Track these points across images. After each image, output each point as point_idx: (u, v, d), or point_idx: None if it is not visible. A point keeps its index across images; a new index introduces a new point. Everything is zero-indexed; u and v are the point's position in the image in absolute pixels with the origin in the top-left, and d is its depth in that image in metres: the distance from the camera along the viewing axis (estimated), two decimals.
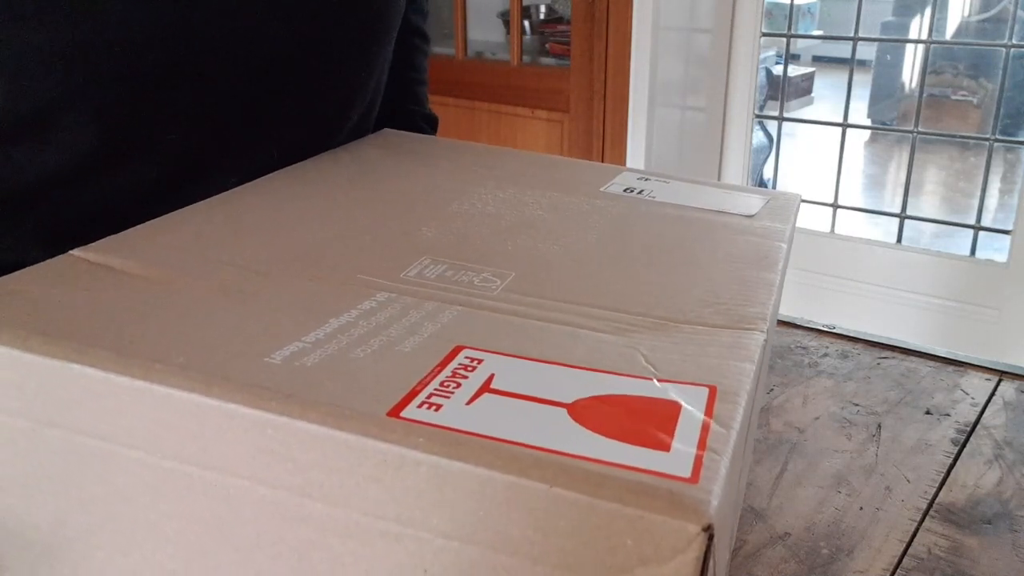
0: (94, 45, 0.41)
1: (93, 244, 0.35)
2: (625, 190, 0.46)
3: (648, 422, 0.24)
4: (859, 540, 0.45)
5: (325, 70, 0.51)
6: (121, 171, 0.45)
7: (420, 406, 0.24)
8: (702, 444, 0.23)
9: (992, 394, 0.60)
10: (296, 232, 0.38)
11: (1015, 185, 2.52)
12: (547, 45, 2.19)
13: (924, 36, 2.48)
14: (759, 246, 0.39)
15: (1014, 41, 1.83)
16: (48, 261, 0.34)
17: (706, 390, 0.26)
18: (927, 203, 2.83)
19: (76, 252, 0.35)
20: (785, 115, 2.14)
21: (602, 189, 0.46)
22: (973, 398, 0.59)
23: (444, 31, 2.26)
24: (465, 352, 0.28)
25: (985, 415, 0.57)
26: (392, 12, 0.55)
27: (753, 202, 0.46)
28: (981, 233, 1.93)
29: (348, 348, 0.28)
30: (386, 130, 0.57)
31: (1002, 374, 0.62)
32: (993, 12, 2.65)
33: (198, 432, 0.25)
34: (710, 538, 0.20)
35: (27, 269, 0.33)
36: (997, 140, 1.89)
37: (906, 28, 2.97)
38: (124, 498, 0.27)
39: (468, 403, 0.25)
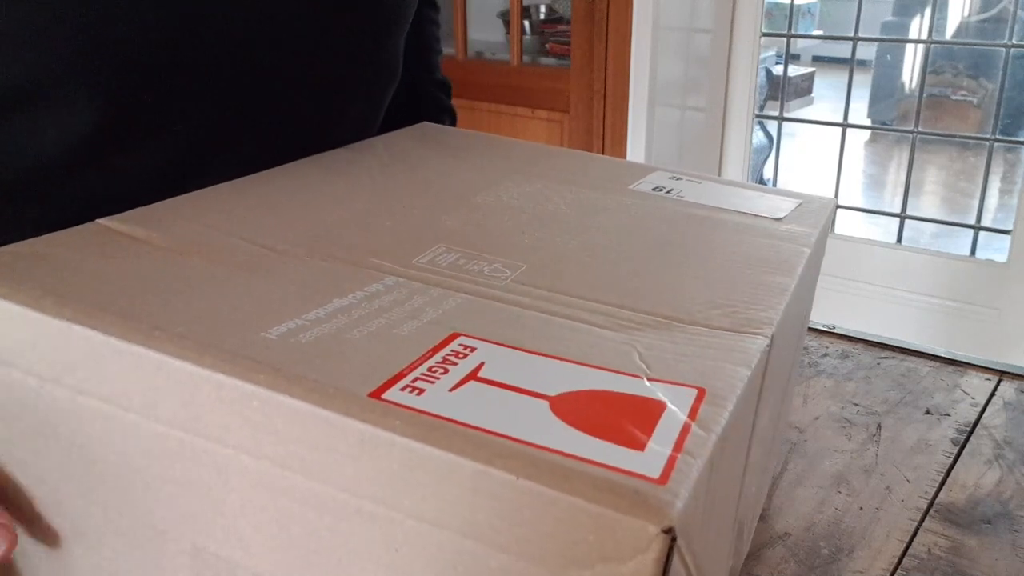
0: (94, 24, 0.41)
1: (121, 215, 0.36)
2: (654, 189, 0.46)
3: (628, 420, 0.24)
4: (859, 540, 0.45)
5: (329, 61, 0.51)
6: (122, 159, 0.45)
7: (403, 389, 0.24)
8: (678, 446, 0.23)
9: (992, 394, 0.60)
10: (318, 213, 0.38)
11: (1015, 185, 2.52)
12: (547, 45, 2.19)
13: (924, 36, 2.48)
14: (781, 250, 0.39)
15: (1014, 41, 1.83)
16: (75, 228, 0.35)
17: (694, 392, 0.26)
18: (927, 203, 2.83)
19: (103, 221, 0.36)
20: (785, 115, 2.14)
21: (630, 187, 0.46)
22: (973, 398, 0.59)
23: (444, 31, 2.25)
24: (460, 339, 0.28)
25: (985, 415, 0.57)
26: (404, 5, 0.55)
27: (783, 205, 0.45)
28: (981, 233, 1.93)
29: (346, 328, 0.28)
30: (424, 123, 0.57)
31: (1002, 374, 0.62)
32: (993, 12, 2.65)
33: (190, 400, 0.26)
34: (673, 540, 0.20)
35: (54, 234, 0.34)
36: (997, 140, 1.89)
37: (906, 28, 2.96)
38: (122, 459, 0.28)
39: (451, 389, 0.25)
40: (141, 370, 0.26)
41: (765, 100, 2.30)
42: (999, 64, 1.87)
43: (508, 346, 0.28)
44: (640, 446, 0.23)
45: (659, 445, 0.23)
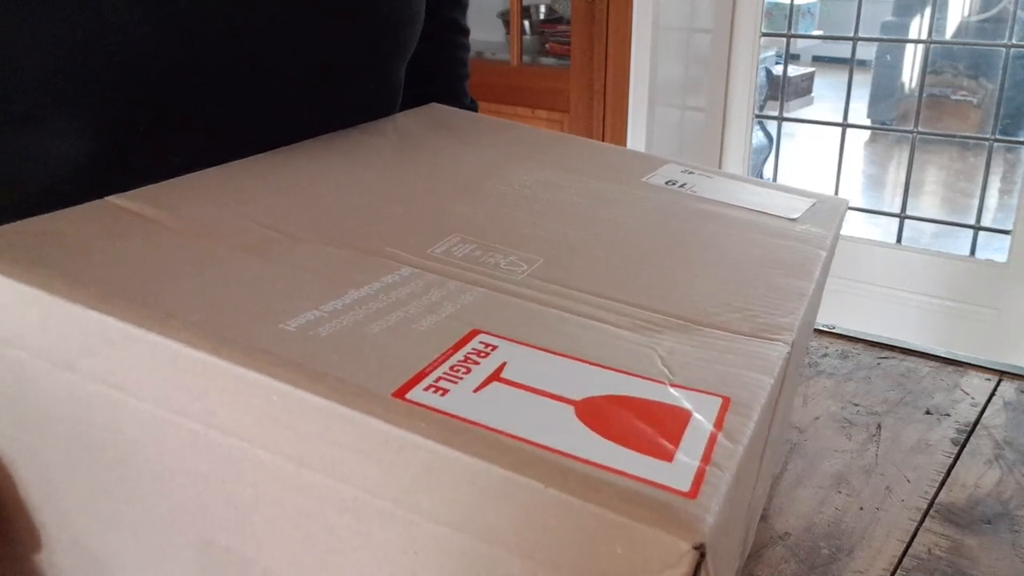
0: (84, 41, 0.40)
1: (129, 192, 0.35)
2: (667, 182, 0.45)
3: (654, 428, 0.24)
4: (859, 540, 0.45)
5: (328, 76, 0.51)
6: (123, 174, 0.45)
7: (427, 389, 0.24)
8: (707, 457, 0.23)
9: (992, 394, 0.60)
10: (330, 197, 0.38)
11: (1015, 185, 2.52)
12: (547, 45, 2.19)
13: (924, 36, 2.48)
14: (797, 252, 0.38)
15: (1014, 41, 1.83)
16: (84, 205, 0.34)
17: (719, 400, 0.25)
18: (927, 203, 2.83)
19: (112, 199, 0.35)
20: (785, 115, 2.14)
21: (643, 179, 0.45)
22: (973, 398, 0.59)
23: None
24: (480, 337, 0.27)
25: (985, 415, 0.57)
26: (405, 25, 0.54)
27: (797, 204, 0.44)
28: (981, 233, 1.93)
29: (364, 321, 0.27)
30: (433, 104, 0.56)
31: (1002, 374, 0.62)
32: (993, 12, 2.65)
33: (205, 391, 0.25)
34: (701, 556, 0.20)
35: (61, 211, 0.33)
36: (997, 140, 1.89)
37: (906, 28, 2.96)
38: (132, 448, 0.28)
39: (475, 390, 0.24)
40: (155, 359, 0.26)
41: (765, 100, 2.31)
42: (999, 64, 1.87)
43: (530, 345, 0.27)
44: (668, 456, 0.22)
45: (687, 456, 0.23)
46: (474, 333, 0.28)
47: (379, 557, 0.24)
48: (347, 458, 0.24)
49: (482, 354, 0.26)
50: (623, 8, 1.90)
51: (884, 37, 3.01)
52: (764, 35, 2.03)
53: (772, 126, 2.21)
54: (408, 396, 0.24)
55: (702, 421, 0.24)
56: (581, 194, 0.42)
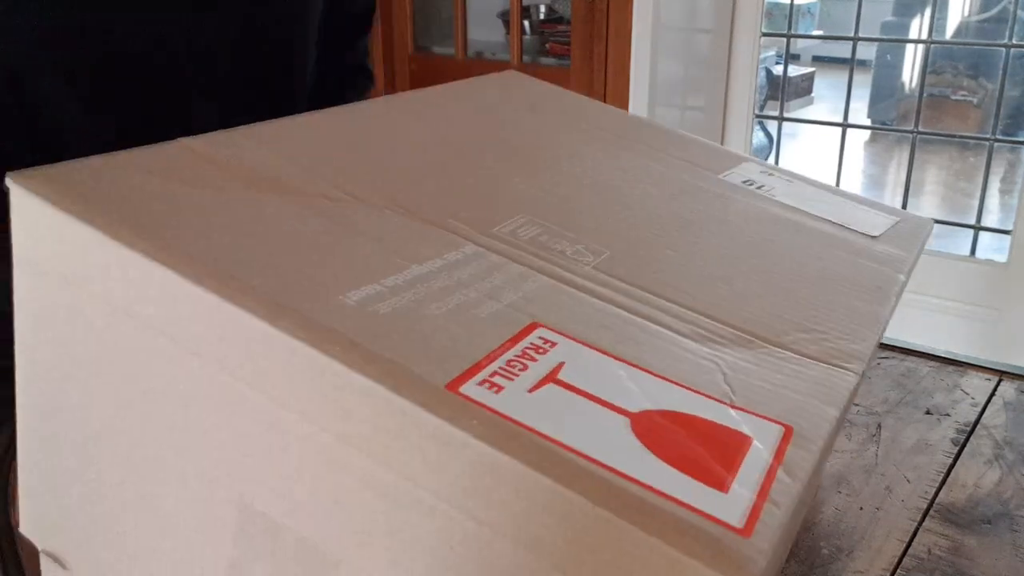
0: (95, 54, 0.40)
1: (202, 136, 0.34)
2: (744, 182, 0.43)
3: (711, 452, 0.23)
4: (859, 540, 0.45)
5: (291, 72, 0.51)
6: None
7: (481, 383, 0.23)
8: (763, 492, 0.22)
9: (992, 394, 0.60)
10: (397, 159, 0.37)
11: (1015, 185, 2.52)
12: (547, 45, 2.19)
13: (924, 36, 2.48)
14: (875, 274, 0.36)
15: (1014, 41, 1.83)
16: (159, 145, 0.33)
17: (781, 429, 0.24)
18: (927, 203, 2.83)
19: (186, 141, 0.34)
20: (785, 115, 2.14)
21: (720, 176, 0.43)
22: (973, 398, 0.59)
23: (444, 31, 2.25)
24: (539, 331, 0.26)
25: (985, 415, 0.57)
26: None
27: (879, 221, 0.42)
28: (981, 233, 1.93)
29: (424, 301, 0.27)
30: (511, 71, 0.55)
31: (1002, 374, 0.62)
32: (993, 12, 2.65)
33: (260, 357, 0.25)
34: None
35: (135, 150, 0.32)
36: (997, 140, 1.89)
37: (906, 28, 2.96)
38: (181, 400, 0.27)
39: (530, 390, 0.24)
40: (213, 318, 0.25)
41: (765, 100, 2.30)
42: (999, 64, 1.87)
43: (589, 346, 0.26)
44: (723, 486, 0.22)
45: (743, 488, 0.22)
46: (533, 326, 0.27)
47: (414, 547, 0.24)
48: (393, 444, 0.23)
49: (540, 350, 0.26)
50: (623, 8, 1.90)
51: (884, 37, 3.00)
52: (764, 35, 2.03)
53: (772, 126, 2.21)
54: (461, 390, 0.23)
55: (761, 450, 0.23)
56: (657, 186, 0.40)
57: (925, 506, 0.48)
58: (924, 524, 0.47)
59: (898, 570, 0.43)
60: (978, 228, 1.93)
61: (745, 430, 0.24)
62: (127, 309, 0.27)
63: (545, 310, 0.28)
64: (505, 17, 2.23)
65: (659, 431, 0.23)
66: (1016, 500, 0.49)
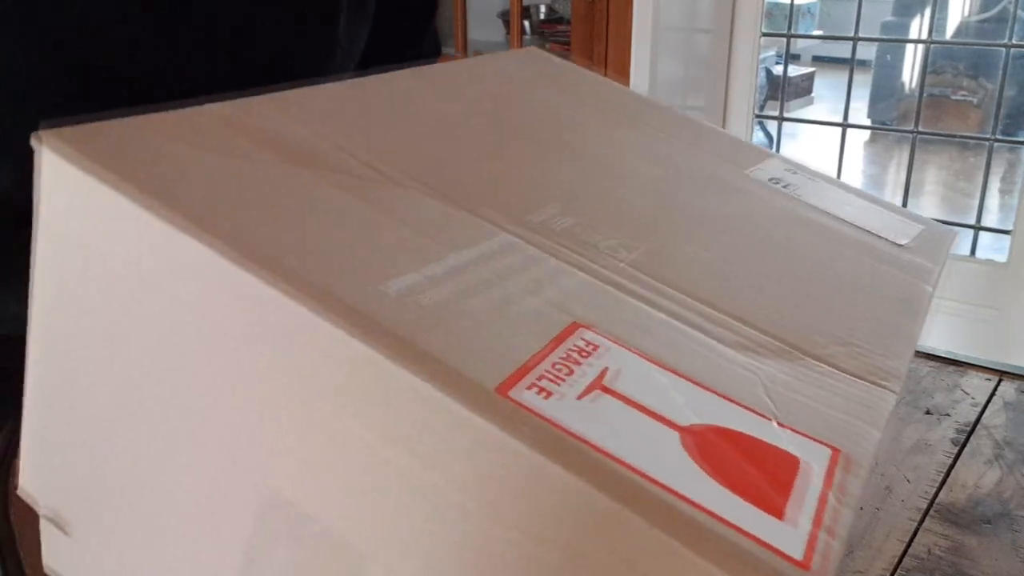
0: (72, 57, 0.40)
1: (231, 101, 0.33)
2: (771, 179, 0.42)
3: (763, 473, 0.22)
4: (859, 540, 0.45)
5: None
6: None
7: (530, 387, 0.22)
8: (818, 520, 0.21)
9: (992, 394, 0.60)
10: (430, 138, 0.35)
11: (1015, 185, 2.52)
12: (547, 45, 2.19)
13: (924, 36, 2.48)
14: (905, 285, 0.35)
15: (1014, 41, 1.83)
16: (183, 111, 0.32)
17: (828, 452, 0.23)
18: (927, 203, 2.83)
19: (215, 106, 0.32)
20: (785, 115, 2.14)
21: (747, 171, 0.42)
22: (973, 398, 0.59)
23: (444, 31, 2.26)
24: (581, 332, 0.26)
25: (985, 415, 0.57)
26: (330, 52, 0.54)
27: (906, 229, 0.41)
28: (981, 233, 1.93)
29: (464, 294, 0.26)
30: (533, 48, 0.53)
31: (1002, 374, 0.62)
32: (993, 12, 2.65)
33: (292, 340, 0.24)
34: None
35: (166, 114, 0.31)
36: (997, 140, 1.89)
37: (906, 28, 2.96)
38: (207, 378, 0.26)
39: (579, 397, 0.23)
40: (246, 299, 0.24)
41: (765, 100, 2.31)
42: (999, 64, 1.87)
43: (634, 351, 0.25)
44: (779, 512, 0.21)
45: (798, 515, 0.21)
46: (575, 327, 0.26)
47: (448, 550, 0.23)
48: (437, 445, 0.22)
49: (584, 353, 0.25)
50: (623, 8, 1.90)
51: (884, 37, 3.01)
52: (764, 35, 2.03)
53: (772, 126, 2.21)
54: (511, 394, 0.22)
55: (812, 475, 0.22)
56: (690, 179, 0.39)
57: (925, 506, 0.48)
58: (924, 524, 0.47)
59: (898, 570, 0.43)
60: (978, 228, 1.93)
61: (793, 451, 0.23)
62: (157, 285, 0.26)
63: (584, 309, 0.27)
64: (505, 17, 2.23)
65: (710, 448, 0.22)
66: (1016, 500, 0.49)
